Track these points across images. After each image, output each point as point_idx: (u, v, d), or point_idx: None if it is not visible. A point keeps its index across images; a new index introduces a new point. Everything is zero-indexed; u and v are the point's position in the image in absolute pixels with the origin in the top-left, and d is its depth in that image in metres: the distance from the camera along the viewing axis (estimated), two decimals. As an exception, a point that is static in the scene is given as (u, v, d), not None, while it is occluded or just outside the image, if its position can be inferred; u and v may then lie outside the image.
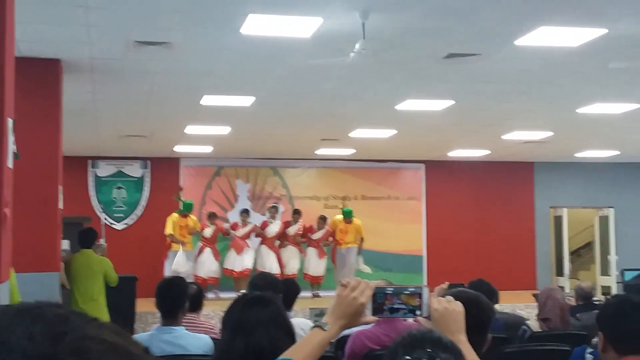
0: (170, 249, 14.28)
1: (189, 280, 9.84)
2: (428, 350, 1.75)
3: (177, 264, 13.68)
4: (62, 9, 6.39)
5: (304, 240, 15.22)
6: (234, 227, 14.93)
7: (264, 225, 15.01)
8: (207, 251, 14.62)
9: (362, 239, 15.11)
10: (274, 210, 15.20)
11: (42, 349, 0.78)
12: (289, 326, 2.68)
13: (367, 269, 14.84)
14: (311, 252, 15.20)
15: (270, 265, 14.41)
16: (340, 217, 15.16)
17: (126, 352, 0.83)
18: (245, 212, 15.08)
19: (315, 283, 15.02)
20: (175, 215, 14.42)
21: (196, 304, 5.42)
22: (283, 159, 16.37)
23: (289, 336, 2.62)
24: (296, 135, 13.42)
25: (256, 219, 15.36)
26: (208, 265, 14.51)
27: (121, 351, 0.82)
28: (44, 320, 0.81)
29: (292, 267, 14.83)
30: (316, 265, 15.07)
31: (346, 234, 14.99)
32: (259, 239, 15.08)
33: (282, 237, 15.11)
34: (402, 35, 7.20)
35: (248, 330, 2.59)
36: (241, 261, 14.58)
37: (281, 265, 14.73)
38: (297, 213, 15.32)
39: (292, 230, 15.13)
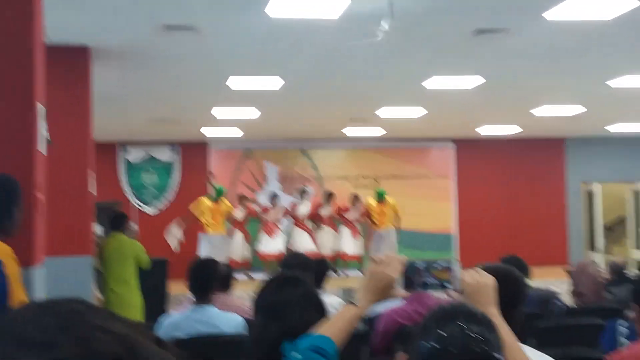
0: (202, 231, 14.37)
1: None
2: (460, 323, 1.76)
3: (214, 249, 13.75)
4: (89, -5, 6.43)
5: (339, 219, 15.22)
6: (265, 211, 14.97)
7: (294, 206, 15.05)
8: (238, 234, 14.69)
9: (399, 218, 15.08)
10: (305, 193, 15.20)
11: (48, 338, 0.82)
12: (321, 305, 2.69)
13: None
14: (345, 231, 15.19)
15: (305, 245, 14.44)
16: (374, 201, 15.12)
17: (133, 342, 0.85)
18: (274, 197, 15.11)
19: (351, 261, 15.02)
20: (206, 200, 14.38)
21: (226, 284, 5.47)
22: (312, 140, 16.38)
23: (321, 315, 2.64)
24: (324, 116, 13.40)
25: (286, 200, 15.40)
26: (239, 248, 14.60)
27: (128, 342, 0.84)
28: (58, 313, 0.86)
29: (335, 246, 14.87)
30: (352, 245, 15.07)
31: (383, 215, 14.94)
32: (290, 221, 15.12)
33: (316, 218, 15.14)
34: (429, 13, 7.14)
35: (281, 312, 2.60)
36: (274, 245, 14.65)
37: (317, 244, 14.76)
38: (330, 196, 15.28)
39: (325, 212, 15.13)
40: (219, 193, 14.38)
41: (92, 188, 8.08)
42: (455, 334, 1.75)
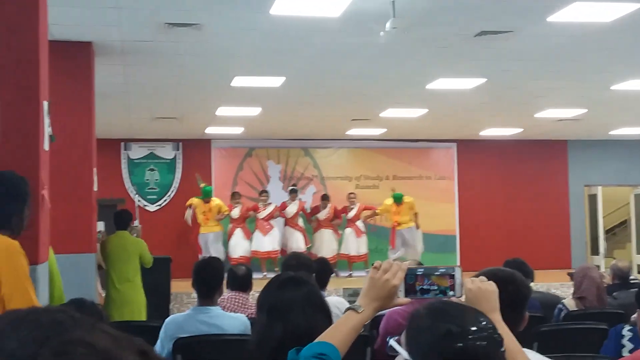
0: (199, 232, 14.46)
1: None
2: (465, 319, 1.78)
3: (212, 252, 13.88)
4: (93, -8, 6.42)
5: (339, 222, 15.21)
6: (255, 208, 14.95)
7: (283, 206, 15.07)
8: (238, 232, 14.72)
9: (416, 214, 15.03)
10: (293, 193, 15.21)
11: (26, 351, 0.81)
12: (325, 306, 2.68)
13: (420, 250, 14.82)
14: (347, 232, 15.18)
15: (297, 244, 14.46)
16: (390, 201, 15.09)
17: (114, 357, 0.83)
18: (264, 193, 15.10)
19: (356, 262, 15.00)
20: (196, 200, 14.55)
21: (245, 285, 5.46)
22: (314, 140, 16.37)
23: (325, 316, 2.62)
24: (327, 116, 13.39)
25: (282, 197, 15.42)
26: (241, 246, 14.61)
27: (107, 356, 0.83)
28: (36, 325, 0.84)
29: (331, 249, 14.85)
30: (355, 244, 15.03)
31: (399, 215, 14.91)
32: (282, 220, 15.12)
33: (314, 222, 15.15)
34: (432, 13, 7.13)
35: (284, 312, 2.59)
36: (267, 243, 14.63)
37: (306, 241, 14.78)
38: (325, 199, 15.33)
39: (322, 215, 15.14)
40: (206, 194, 14.44)
41: (95, 185, 8.07)
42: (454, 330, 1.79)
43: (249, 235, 14.81)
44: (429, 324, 1.88)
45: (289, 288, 2.67)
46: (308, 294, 2.65)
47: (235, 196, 14.98)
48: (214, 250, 14.06)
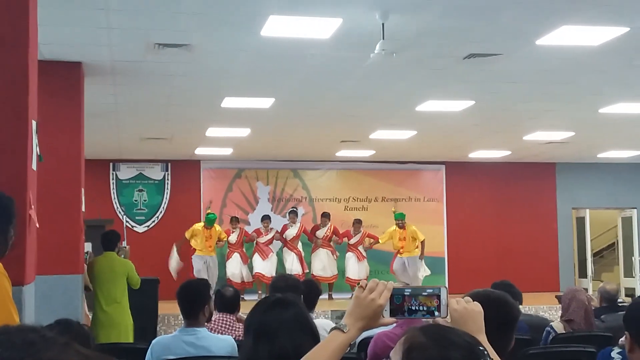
0: (194, 253, 14.41)
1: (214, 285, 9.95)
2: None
3: (198, 272, 13.87)
4: (83, 12, 6.43)
5: (338, 241, 15.18)
6: (258, 233, 14.96)
7: (284, 229, 15.06)
8: (236, 256, 14.70)
9: (422, 242, 14.93)
10: (293, 215, 15.19)
11: None
12: (312, 328, 2.66)
13: (426, 273, 14.73)
14: (349, 256, 15.13)
15: (291, 266, 14.43)
16: (393, 227, 15.01)
17: None
18: (267, 219, 15.08)
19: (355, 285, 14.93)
20: (198, 226, 14.53)
21: (233, 306, 5.43)
22: (303, 161, 16.38)
23: (312, 338, 2.60)
24: (316, 137, 13.41)
25: (277, 221, 15.38)
26: (239, 271, 14.57)
27: None
28: (9, 345, 0.84)
29: (330, 269, 14.84)
30: (357, 268, 14.98)
31: (405, 241, 14.86)
32: (280, 243, 15.12)
33: (312, 240, 15.12)
34: (422, 36, 7.17)
35: (271, 334, 2.57)
36: (267, 267, 14.62)
37: (303, 265, 14.72)
38: (325, 216, 15.29)
39: (321, 233, 15.08)
40: (209, 222, 14.40)
41: (83, 206, 8.03)
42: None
43: (246, 260, 14.78)
44: (436, 354, 1.86)
45: (276, 310, 2.65)
46: (295, 315, 2.64)
47: (233, 221, 14.96)
48: (211, 274, 14.03)
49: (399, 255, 14.88)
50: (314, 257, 15.05)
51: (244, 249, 14.90)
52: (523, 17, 6.67)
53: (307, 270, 14.80)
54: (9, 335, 0.85)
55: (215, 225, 14.64)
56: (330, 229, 15.12)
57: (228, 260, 14.75)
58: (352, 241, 15.18)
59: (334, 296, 14.75)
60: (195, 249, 14.43)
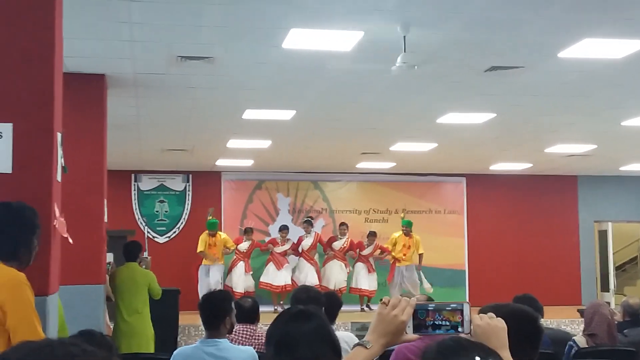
0: (201, 263, 14.44)
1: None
2: (475, 356, 1.76)
3: (210, 281, 13.88)
4: (107, 25, 6.50)
5: (353, 255, 15.07)
6: (274, 243, 14.91)
7: (300, 240, 14.95)
8: (240, 266, 14.61)
9: (420, 255, 14.89)
10: (307, 224, 15.11)
11: None
12: (334, 341, 2.66)
13: (430, 289, 14.56)
14: (359, 267, 15.01)
15: (306, 277, 14.36)
16: (398, 233, 14.98)
17: None
18: (284, 229, 15.01)
19: (366, 296, 14.89)
20: (205, 233, 14.54)
21: (252, 317, 5.45)
22: (324, 172, 16.40)
23: (334, 350, 2.60)
24: (337, 149, 13.42)
25: (297, 232, 15.32)
26: (242, 280, 14.53)
27: None
28: (52, 357, 0.87)
29: (339, 281, 14.72)
30: (367, 280, 14.86)
31: (409, 249, 14.79)
32: (296, 253, 15.00)
33: (329, 250, 15.01)
34: (443, 49, 7.17)
35: (293, 345, 2.57)
36: (281, 276, 14.55)
37: (319, 277, 14.64)
38: (343, 225, 15.20)
39: (338, 244, 14.99)
40: (210, 227, 14.40)
41: (105, 216, 8.08)
42: None
43: (249, 270, 14.69)
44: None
45: (298, 322, 2.65)
46: (317, 328, 2.63)
47: (248, 232, 14.91)
48: (214, 283, 14.05)
49: (397, 265, 14.80)
50: (327, 268, 14.92)
51: (249, 260, 14.78)
52: (545, 30, 6.65)
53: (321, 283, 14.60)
54: (51, 349, 0.87)
55: (219, 232, 14.62)
56: (348, 242, 15.02)
57: (232, 270, 14.65)
58: (365, 252, 15.04)
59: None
60: (202, 260, 14.41)
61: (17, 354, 0.87)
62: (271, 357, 2.62)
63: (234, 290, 14.04)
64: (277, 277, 14.55)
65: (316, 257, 14.97)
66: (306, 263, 14.77)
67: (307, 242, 14.88)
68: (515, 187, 17.10)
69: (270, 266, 14.72)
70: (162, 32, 6.69)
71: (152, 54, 7.39)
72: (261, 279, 14.67)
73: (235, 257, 14.74)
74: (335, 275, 14.81)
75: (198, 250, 14.38)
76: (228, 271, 14.74)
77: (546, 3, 6.01)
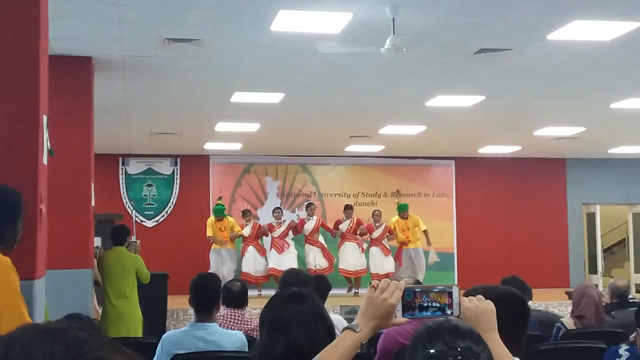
0: (211, 248, 14.29)
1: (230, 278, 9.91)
2: (447, 340, 1.74)
3: (224, 271, 13.69)
4: (94, 7, 6.44)
5: (365, 237, 14.78)
6: (271, 228, 14.61)
7: (302, 223, 14.73)
8: (251, 250, 14.39)
9: (425, 231, 14.74)
10: (312, 207, 14.87)
11: None
12: (327, 322, 2.66)
13: (436, 258, 14.62)
14: (375, 251, 14.70)
15: (316, 261, 14.25)
16: (395, 218, 14.83)
17: None
18: (278, 210, 14.83)
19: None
20: (211, 218, 14.40)
21: (240, 301, 5.42)
22: (312, 156, 16.38)
23: (327, 332, 2.60)
24: (325, 132, 13.40)
25: (287, 216, 15.21)
26: (255, 264, 14.33)
27: None
28: (64, 341, 0.89)
29: (360, 263, 14.53)
30: (383, 263, 14.57)
31: (407, 232, 14.61)
32: (300, 237, 14.76)
33: (334, 235, 14.78)
34: (432, 31, 7.15)
35: (286, 327, 2.57)
36: (285, 260, 14.26)
37: (329, 258, 14.43)
38: (349, 208, 14.86)
39: (345, 226, 14.70)
40: (216, 213, 14.28)
41: (92, 200, 8.05)
42: (442, 350, 1.74)
43: (263, 253, 14.47)
44: (416, 346, 1.86)
45: (292, 304, 2.65)
46: (311, 310, 2.63)
47: (246, 214, 14.68)
48: (227, 268, 13.90)
49: (404, 247, 14.72)
50: (341, 252, 14.66)
51: (259, 241, 14.59)
52: (534, 12, 6.64)
53: (335, 260, 14.47)
54: (61, 331, 0.89)
55: (227, 216, 14.46)
56: (354, 221, 14.73)
57: (243, 256, 14.41)
58: (375, 235, 14.71)
59: (360, 292, 14.17)
60: (212, 244, 14.24)
61: (26, 336, 0.89)
62: (265, 339, 2.62)
63: (247, 275, 13.81)
64: (280, 261, 14.03)
65: (321, 238, 14.73)
66: (312, 247, 14.54)
67: (309, 226, 14.64)
68: (504, 170, 17.13)
69: (273, 252, 14.42)
70: (149, 14, 6.64)
71: (139, 36, 7.33)
72: (270, 265, 14.33)
73: (243, 243, 14.52)
74: (354, 256, 14.54)
75: (207, 235, 14.20)
76: (241, 257, 14.48)
77: (536, -15, 6.00)
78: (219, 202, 14.65)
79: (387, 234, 14.80)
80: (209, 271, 13.38)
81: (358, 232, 14.75)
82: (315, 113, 11.54)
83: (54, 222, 5.59)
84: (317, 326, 2.58)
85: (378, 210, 14.99)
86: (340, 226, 14.79)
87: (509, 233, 17.11)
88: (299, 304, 2.62)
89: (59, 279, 6.78)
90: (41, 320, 3.80)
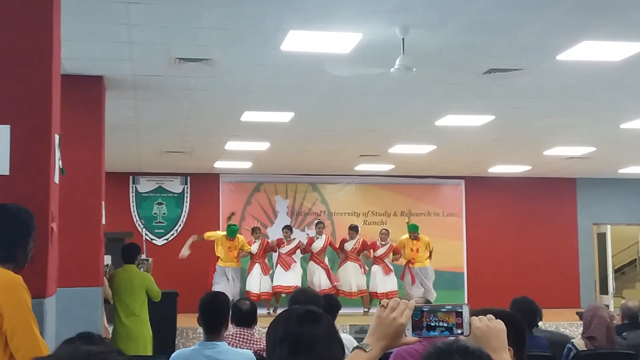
0: (215, 265, 14.26)
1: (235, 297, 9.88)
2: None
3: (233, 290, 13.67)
4: (105, 27, 6.49)
5: (368, 256, 14.78)
6: (279, 242, 14.65)
7: (310, 241, 14.74)
8: (257, 267, 14.36)
9: (430, 252, 14.74)
10: (321, 225, 14.91)
11: None
12: (341, 340, 2.66)
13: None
14: (376, 269, 14.71)
15: (319, 281, 14.23)
16: (406, 236, 14.81)
17: None
18: (287, 229, 14.79)
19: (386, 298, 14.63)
20: (219, 235, 14.38)
21: (249, 320, 5.41)
22: (322, 175, 16.39)
23: (342, 351, 2.60)
24: (335, 151, 13.42)
25: (296, 235, 15.22)
26: (260, 282, 14.27)
27: None
28: None
29: (360, 283, 14.52)
30: (384, 282, 14.58)
31: (417, 252, 14.60)
32: (306, 255, 14.77)
33: (339, 254, 14.83)
34: (442, 51, 7.17)
35: (310, 346, 2.55)
36: (289, 278, 14.29)
37: (331, 279, 14.39)
38: (353, 229, 14.88)
39: (349, 245, 14.72)
40: (231, 233, 14.25)
41: (103, 218, 8.07)
42: None
43: (267, 271, 14.46)
44: None
45: (311, 322, 2.63)
46: (328, 327, 2.63)
47: (255, 231, 14.69)
48: (233, 286, 13.88)
49: (410, 265, 14.65)
50: (341, 271, 14.68)
51: (265, 260, 14.59)
52: (543, 32, 6.65)
53: (338, 282, 14.41)
54: (104, 355, 0.91)
55: (238, 235, 14.42)
56: (359, 242, 14.76)
57: (249, 273, 14.39)
58: (379, 253, 14.74)
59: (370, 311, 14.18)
60: (218, 257, 14.18)
61: (76, 358, 0.92)
62: (285, 358, 2.60)
63: (250, 292, 13.86)
64: (285, 278, 14.14)
65: (326, 260, 14.76)
66: (317, 266, 14.51)
67: (317, 244, 14.65)
68: (514, 190, 17.10)
69: (279, 268, 14.44)
70: (160, 34, 6.69)
71: (150, 56, 7.38)
72: (274, 282, 14.34)
73: (250, 260, 14.50)
74: (353, 277, 14.53)
75: (205, 236, 14.24)
76: (247, 274, 14.47)
77: (545, 5, 6.01)
78: (231, 222, 14.57)
79: (392, 253, 14.79)
80: (213, 289, 13.47)
81: (360, 256, 14.78)
82: (325, 132, 11.56)
83: (64, 240, 5.62)
84: (336, 344, 2.58)
85: (385, 229, 15.03)
86: (345, 245, 14.80)
87: (519, 253, 17.04)
88: (317, 322, 2.61)
89: (69, 297, 6.80)
90: (52, 339, 3.82)
